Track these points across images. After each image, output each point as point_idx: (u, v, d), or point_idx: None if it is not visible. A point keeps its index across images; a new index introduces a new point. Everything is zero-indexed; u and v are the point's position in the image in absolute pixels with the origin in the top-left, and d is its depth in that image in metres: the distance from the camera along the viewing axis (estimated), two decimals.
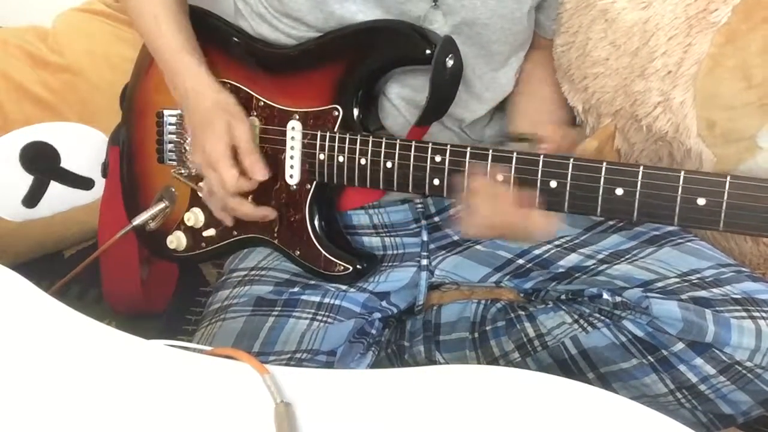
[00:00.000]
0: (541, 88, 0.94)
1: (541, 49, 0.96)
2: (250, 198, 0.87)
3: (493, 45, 0.85)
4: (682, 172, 0.63)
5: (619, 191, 0.66)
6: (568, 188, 0.68)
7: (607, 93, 0.89)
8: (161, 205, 0.97)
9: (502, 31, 0.84)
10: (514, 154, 0.71)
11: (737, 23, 0.80)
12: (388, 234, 0.92)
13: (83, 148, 1.25)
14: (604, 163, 0.66)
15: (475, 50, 0.85)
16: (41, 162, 1.23)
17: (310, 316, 0.83)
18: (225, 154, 0.82)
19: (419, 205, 0.93)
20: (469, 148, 0.73)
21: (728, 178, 0.61)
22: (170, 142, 0.97)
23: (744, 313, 0.75)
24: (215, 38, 0.92)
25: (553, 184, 0.69)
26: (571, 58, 0.91)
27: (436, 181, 0.76)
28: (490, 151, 0.72)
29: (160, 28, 0.88)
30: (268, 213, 0.87)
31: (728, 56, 0.81)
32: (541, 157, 0.69)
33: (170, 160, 0.97)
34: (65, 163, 1.25)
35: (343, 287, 0.87)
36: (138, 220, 0.97)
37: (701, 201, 0.62)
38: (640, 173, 0.65)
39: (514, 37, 0.87)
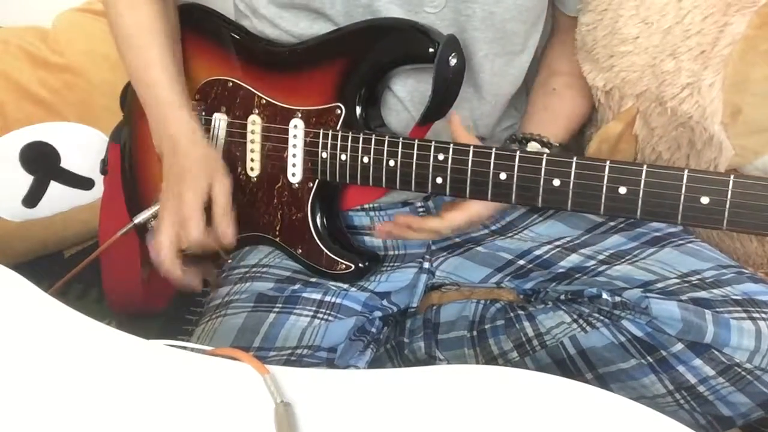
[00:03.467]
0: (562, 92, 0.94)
1: (562, 33, 0.95)
2: (254, 196, 0.88)
3: (508, 24, 0.84)
4: (686, 171, 0.63)
5: (623, 190, 0.66)
6: (571, 187, 0.68)
7: (634, 72, 0.87)
8: None
9: (516, 7, 0.83)
10: (518, 153, 0.71)
11: None
12: None
13: (83, 148, 1.25)
14: (608, 162, 0.66)
15: (491, 34, 0.84)
16: (41, 162, 1.23)
17: (311, 313, 0.83)
18: (198, 212, 0.81)
19: (421, 208, 0.93)
20: (472, 147, 0.74)
21: (732, 177, 0.61)
22: None
23: (744, 314, 0.75)
24: (217, 36, 0.92)
25: (557, 182, 0.69)
26: (597, 36, 0.89)
27: (439, 180, 0.76)
28: (494, 149, 0.72)
29: (149, 77, 0.87)
30: (194, 283, 0.87)
31: (763, 39, 0.79)
32: (545, 156, 0.69)
33: None
34: (65, 163, 1.25)
35: (344, 285, 0.88)
36: (139, 218, 0.96)
37: (705, 200, 0.62)
38: (644, 172, 0.65)
39: (528, 12, 0.85)
